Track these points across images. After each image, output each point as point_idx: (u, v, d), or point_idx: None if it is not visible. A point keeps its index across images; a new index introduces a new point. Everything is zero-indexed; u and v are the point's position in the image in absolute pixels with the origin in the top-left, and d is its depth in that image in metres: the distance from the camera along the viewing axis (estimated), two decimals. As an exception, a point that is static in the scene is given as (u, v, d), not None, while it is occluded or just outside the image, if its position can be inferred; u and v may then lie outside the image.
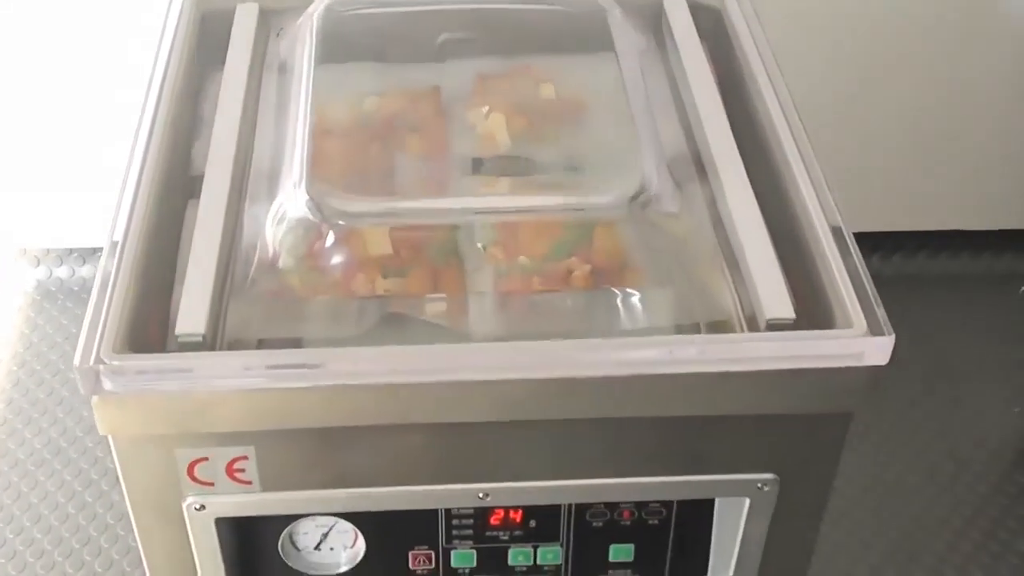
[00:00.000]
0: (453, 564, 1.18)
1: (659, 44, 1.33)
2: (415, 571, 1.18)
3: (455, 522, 1.14)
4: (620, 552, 1.18)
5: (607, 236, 1.09)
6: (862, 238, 1.99)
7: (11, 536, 1.78)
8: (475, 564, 1.18)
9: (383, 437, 1.03)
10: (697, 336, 1.02)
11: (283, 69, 1.25)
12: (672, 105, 1.25)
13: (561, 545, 1.17)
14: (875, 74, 1.94)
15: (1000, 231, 2.14)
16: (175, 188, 1.13)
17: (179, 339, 0.98)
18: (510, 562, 1.18)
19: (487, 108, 1.21)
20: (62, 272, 2.12)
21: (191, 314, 0.99)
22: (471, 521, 1.14)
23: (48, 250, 2.11)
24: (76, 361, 0.94)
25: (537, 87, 1.25)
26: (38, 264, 2.11)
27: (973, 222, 2.13)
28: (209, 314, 1.00)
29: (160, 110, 1.16)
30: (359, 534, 1.15)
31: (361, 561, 1.17)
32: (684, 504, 1.15)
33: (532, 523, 1.15)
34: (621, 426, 1.04)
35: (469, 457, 1.06)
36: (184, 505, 1.05)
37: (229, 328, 1.02)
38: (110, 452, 1.01)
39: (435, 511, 1.13)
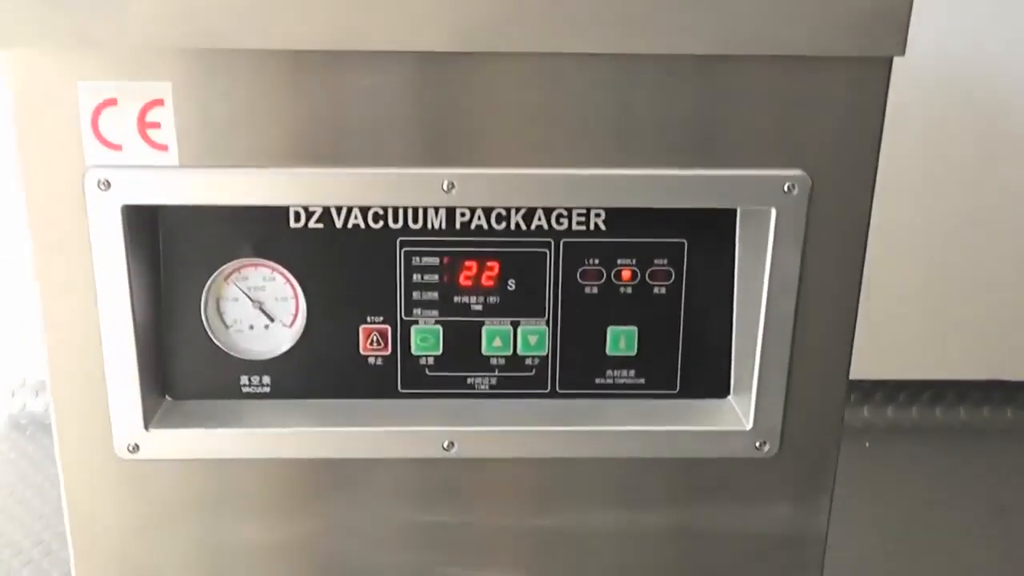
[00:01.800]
0: (415, 349, 0.93)
1: None
2: (367, 357, 0.93)
3: (416, 278, 0.92)
4: (620, 339, 0.93)
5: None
6: (900, 386, 1.81)
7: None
8: (440, 350, 0.93)
9: (330, 76, 0.84)
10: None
11: None
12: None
13: (547, 323, 0.92)
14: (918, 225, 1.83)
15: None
16: None
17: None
18: (485, 349, 0.93)
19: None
20: (37, 406, 1.91)
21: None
22: (436, 277, 0.91)
23: (24, 381, 1.91)
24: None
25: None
26: (13, 396, 1.91)
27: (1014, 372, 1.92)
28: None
29: None
30: (300, 300, 0.92)
31: (301, 340, 0.92)
32: (695, 260, 0.93)
33: (511, 283, 0.92)
34: (621, 80, 0.85)
35: (434, 118, 0.85)
36: (85, 182, 0.84)
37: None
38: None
39: (393, 241, 0.92)
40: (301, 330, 0.94)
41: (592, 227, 0.92)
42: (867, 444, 1.88)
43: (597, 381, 0.96)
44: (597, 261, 0.92)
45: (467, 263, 0.92)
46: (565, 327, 0.94)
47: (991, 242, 1.86)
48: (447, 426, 0.94)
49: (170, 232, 0.91)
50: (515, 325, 0.94)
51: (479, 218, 0.92)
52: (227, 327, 0.94)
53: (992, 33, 1.70)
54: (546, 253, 0.92)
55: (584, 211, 0.92)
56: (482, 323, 0.94)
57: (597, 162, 0.87)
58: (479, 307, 0.93)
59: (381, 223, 0.91)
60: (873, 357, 1.87)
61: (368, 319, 0.93)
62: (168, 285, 0.92)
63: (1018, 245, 1.87)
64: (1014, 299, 1.90)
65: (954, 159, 1.79)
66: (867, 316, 0.94)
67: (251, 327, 0.94)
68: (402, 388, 0.95)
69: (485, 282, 0.93)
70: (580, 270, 0.92)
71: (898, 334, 1.88)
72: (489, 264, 0.92)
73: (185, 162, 0.86)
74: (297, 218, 0.91)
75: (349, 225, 0.91)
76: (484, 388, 0.96)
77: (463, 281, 0.93)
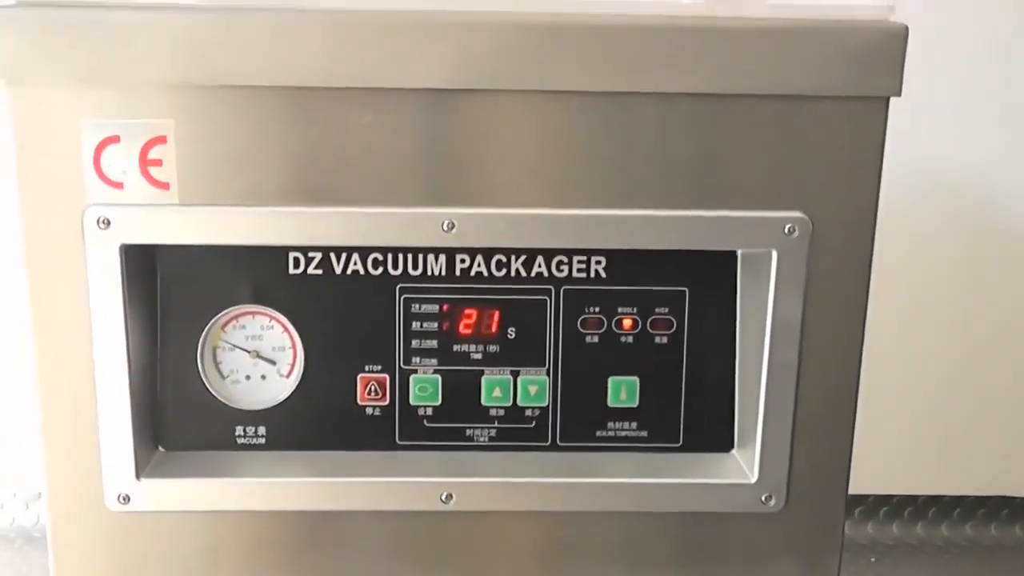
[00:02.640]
0: (413, 399, 0.92)
1: None
2: (365, 408, 0.92)
3: (415, 326, 0.91)
4: (621, 389, 0.92)
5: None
6: (905, 502, 1.78)
7: None
8: (439, 400, 0.92)
9: (332, 113, 0.85)
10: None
11: None
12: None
13: (548, 373, 0.92)
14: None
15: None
16: None
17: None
18: (484, 399, 0.92)
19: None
20: (27, 519, 1.88)
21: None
22: (436, 324, 0.91)
23: (15, 494, 1.88)
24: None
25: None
26: (2, 508, 1.88)
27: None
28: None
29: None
30: (298, 349, 0.91)
31: (298, 390, 0.92)
32: (696, 309, 0.93)
33: (511, 332, 0.91)
34: (621, 120, 0.86)
35: (435, 157, 0.86)
36: (85, 219, 0.84)
37: None
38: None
39: (392, 287, 0.92)
40: (298, 380, 0.92)
41: (593, 274, 0.92)
42: (872, 559, 1.84)
43: (598, 433, 0.94)
44: (598, 309, 0.92)
45: (467, 311, 0.92)
46: (566, 377, 0.93)
47: (996, 355, 1.85)
48: (445, 478, 0.92)
49: (168, 276, 0.90)
50: (515, 374, 0.93)
51: (479, 264, 0.91)
52: (223, 377, 0.93)
53: (984, 148, 1.72)
54: (546, 301, 0.92)
55: (585, 257, 0.92)
56: (481, 372, 0.93)
57: (598, 203, 0.87)
58: (479, 356, 0.92)
59: (381, 269, 0.91)
60: (877, 471, 1.85)
61: (366, 368, 0.92)
62: (165, 331, 0.91)
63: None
64: (1021, 412, 1.88)
65: (954, 268, 1.79)
66: (870, 429, 0.93)
67: (248, 377, 0.93)
68: (400, 439, 0.94)
69: (485, 330, 0.92)
70: (581, 318, 0.92)
71: (902, 448, 1.85)
72: (489, 312, 0.92)
73: (185, 201, 0.86)
74: (296, 264, 0.91)
75: (348, 271, 0.91)
76: (483, 440, 0.94)
77: (463, 329, 0.92)
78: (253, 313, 0.92)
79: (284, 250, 0.90)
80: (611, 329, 0.92)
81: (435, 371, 0.92)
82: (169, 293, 0.91)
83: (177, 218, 0.86)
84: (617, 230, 0.87)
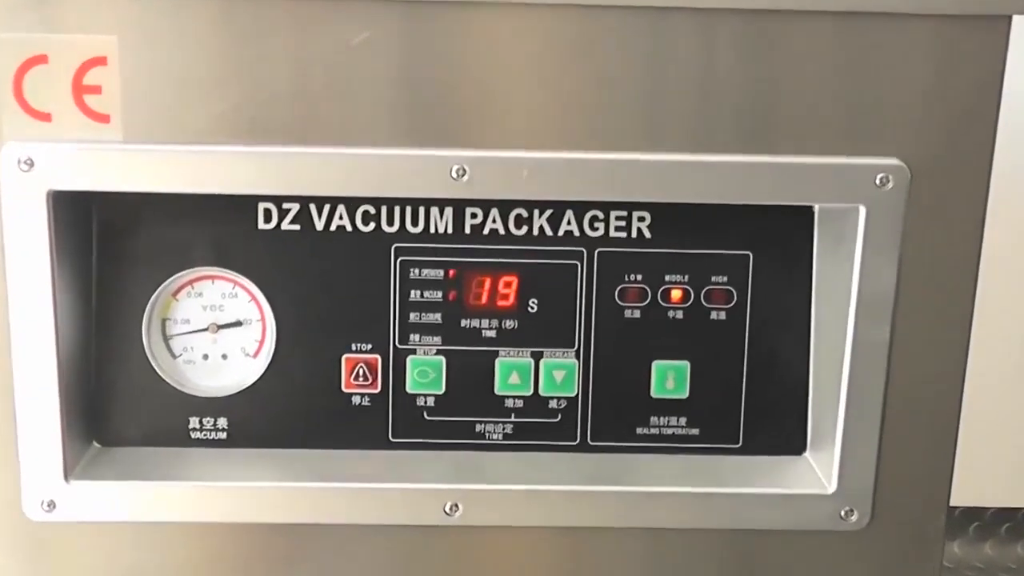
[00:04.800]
0: (411, 386, 0.86)
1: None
2: (351, 396, 0.85)
3: (414, 295, 0.84)
4: (667, 376, 0.85)
5: None
6: (1001, 517, 1.72)
7: None
8: (443, 388, 0.86)
9: (311, 31, 0.76)
10: None
11: None
12: None
13: (577, 355, 0.84)
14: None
15: None
16: None
17: None
18: (498, 387, 0.86)
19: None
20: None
21: None
22: (440, 294, 0.84)
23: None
24: None
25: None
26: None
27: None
28: None
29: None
30: (268, 322, 0.84)
31: (268, 374, 0.85)
32: (761, 277, 0.85)
33: (532, 304, 0.84)
34: (668, 43, 0.77)
35: (441, 86, 0.77)
36: (2, 159, 0.76)
37: None
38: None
39: (386, 248, 0.84)
40: (268, 361, 0.85)
41: (635, 234, 0.84)
42: (959, 586, 1.79)
43: (638, 431, 0.87)
44: (640, 277, 0.85)
45: (478, 277, 0.85)
46: (599, 361, 0.86)
47: None
48: (450, 484, 0.84)
49: (107, 230, 0.83)
50: (537, 357, 0.86)
51: (494, 220, 0.84)
52: (174, 356, 0.86)
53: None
54: (577, 266, 0.84)
55: (624, 213, 0.84)
56: (495, 354, 0.85)
57: (641, 146, 0.78)
58: (492, 333, 0.85)
59: (372, 224, 0.83)
60: (966, 480, 1.77)
61: (353, 348, 0.85)
62: (102, 299, 0.84)
63: None
64: None
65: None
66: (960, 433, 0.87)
67: (205, 357, 0.86)
68: (394, 436, 0.87)
69: (500, 302, 0.85)
70: (619, 288, 0.85)
71: (997, 453, 1.78)
72: (506, 279, 0.85)
73: (130, 137, 0.78)
74: (268, 217, 0.84)
75: (332, 227, 0.84)
76: (497, 437, 0.87)
77: (472, 300, 0.85)
78: (213, 277, 0.85)
79: (252, 200, 0.83)
80: (656, 302, 0.85)
81: (438, 352, 0.86)
82: (108, 252, 0.83)
83: (119, 159, 0.78)
84: (665, 179, 0.79)
